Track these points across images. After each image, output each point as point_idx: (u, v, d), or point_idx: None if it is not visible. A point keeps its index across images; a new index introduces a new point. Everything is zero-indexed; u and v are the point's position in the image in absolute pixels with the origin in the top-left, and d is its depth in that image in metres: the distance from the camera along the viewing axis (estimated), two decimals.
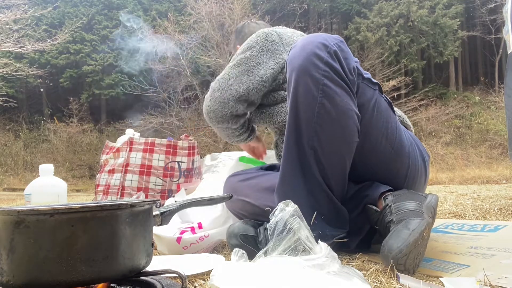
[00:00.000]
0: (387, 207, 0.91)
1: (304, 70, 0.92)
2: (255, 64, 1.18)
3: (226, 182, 1.27)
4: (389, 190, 0.99)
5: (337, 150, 0.94)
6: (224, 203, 1.24)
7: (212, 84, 1.23)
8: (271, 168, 1.30)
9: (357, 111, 0.96)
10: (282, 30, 1.28)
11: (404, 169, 1.07)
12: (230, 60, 1.26)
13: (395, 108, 1.16)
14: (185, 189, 1.52)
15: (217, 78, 1.23)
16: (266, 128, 1.45)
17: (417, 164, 1.10)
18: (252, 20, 1.64)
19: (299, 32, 1.32)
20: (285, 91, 1.22)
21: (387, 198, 0.95)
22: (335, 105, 0.91)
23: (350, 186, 1.05)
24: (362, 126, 0.98)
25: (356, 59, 1.03)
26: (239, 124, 1.28)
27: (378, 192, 0.98)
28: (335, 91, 0.92)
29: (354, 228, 1.01)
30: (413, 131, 1.27)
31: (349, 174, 1.00)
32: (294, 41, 1.22)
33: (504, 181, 5.45)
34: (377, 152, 1.03)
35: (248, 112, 1.30)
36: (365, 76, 1.03)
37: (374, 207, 0.96)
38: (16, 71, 11.18)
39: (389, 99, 1.10)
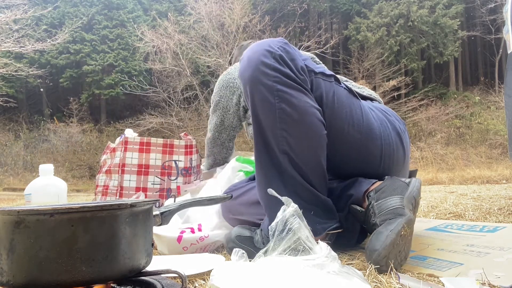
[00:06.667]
0: (370, 206, 0.92)
1: (255, 80, 0.93)
2: (226, 101, 1.48)
3: None
4: (373, 184, 0.99)
5: (309, 147, 0.95)
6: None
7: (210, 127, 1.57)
8: None
9: (317, 106, 0.97)
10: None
11: (378, 151, 1.07)
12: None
13: (354, 83, 1.16)
14: (185, 190, 1.52)
15: (208, 127, 1.58)
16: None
17: (390, 141, 1.09)
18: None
19: None
20: None
21: (369, 196, 0.95)
22: (294, 107, 0.92)
23: (334, 185, 1.05)
24: (326, 119, 0.98)
25: (306, 56, 1.04)
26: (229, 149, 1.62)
27: (361, 191, 0.99)
28: (290, 93, 0.93)
29: (348, 225, 1.02)
30: (382, 102, 1.26)
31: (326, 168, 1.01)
32: None
33: (504, 181, 5.44)
34: (346, 142, 1.03)
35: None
36: (317, 70, 1.03)
37: (359, 208, 0.96)
38: (16, 71, 11.19)
39: (349, 87, 1.09)
